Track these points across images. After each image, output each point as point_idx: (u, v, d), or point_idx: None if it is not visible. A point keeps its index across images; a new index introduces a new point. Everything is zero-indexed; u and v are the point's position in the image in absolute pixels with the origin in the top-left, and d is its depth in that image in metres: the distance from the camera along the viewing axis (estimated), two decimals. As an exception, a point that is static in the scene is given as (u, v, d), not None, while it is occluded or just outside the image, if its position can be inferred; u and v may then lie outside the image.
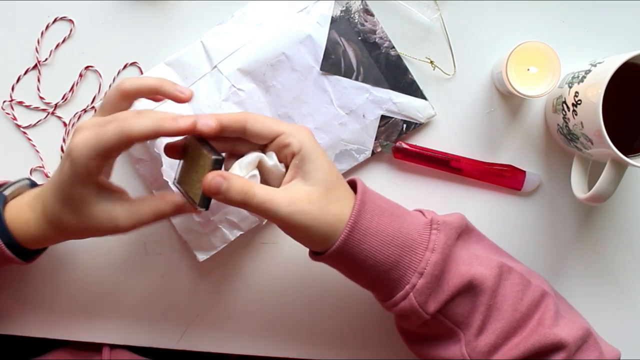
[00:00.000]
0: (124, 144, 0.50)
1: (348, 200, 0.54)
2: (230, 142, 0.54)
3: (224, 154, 0.52)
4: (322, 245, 0.53)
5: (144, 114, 0.51)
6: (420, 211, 0.58)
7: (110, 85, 0.65)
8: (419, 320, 0.54)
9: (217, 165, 0.51)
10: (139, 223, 0.54)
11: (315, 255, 0.55)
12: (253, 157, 0.53)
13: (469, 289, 0.54)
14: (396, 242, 0.53)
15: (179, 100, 0.54)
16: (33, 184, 0.60)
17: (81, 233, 0.54)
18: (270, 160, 0.53)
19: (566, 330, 0.54)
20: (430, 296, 0.54)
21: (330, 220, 0.52)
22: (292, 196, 0.51)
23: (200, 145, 0.52)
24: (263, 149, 0.55)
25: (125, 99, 0.54)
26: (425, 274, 0.53)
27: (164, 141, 0.61)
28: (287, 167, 0.54)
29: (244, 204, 0.50)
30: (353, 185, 0.56)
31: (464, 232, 0.58)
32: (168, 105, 0.63)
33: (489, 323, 0.55)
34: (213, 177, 0.50)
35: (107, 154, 0.50)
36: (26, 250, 0.56)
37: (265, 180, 0.54)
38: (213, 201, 0.52)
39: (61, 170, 0.52)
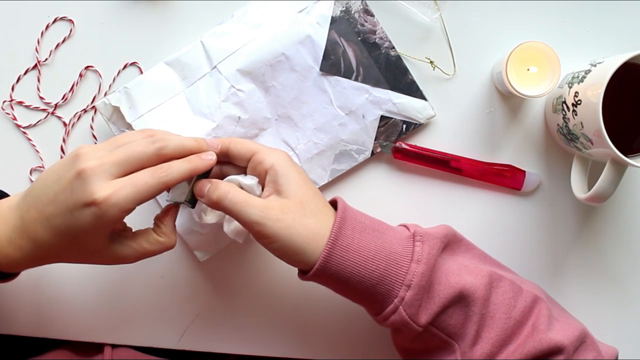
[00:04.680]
0: (161, 192, 0.51)
1: (326, 216, 0.54)
2: (218, 165, 0.58)
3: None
4: (298, 261, 0.54)
5: (171, 155, 0.52)
6: (405, 226, 0.58)
7: (110, 86, 0.65)
8: (411, 333, 0.54)
9: (204, 175, 0.57)
10: (143, 257, 0.55)
11: (302, 274, 0.55)
12: (231, 178, 0.57)
13: (460, 300, 0.54)
14: (380, 257, 0.53)
15: (211, 163, 0.55)
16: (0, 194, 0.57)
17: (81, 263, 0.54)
18: (247, 180, 0.56)
19: (562, 333, 0.54)
20: (420, 308, 0.54)
21: (304, 232, 0.53)
22: (266, 204, 0.53)
23: None
24: (245, 172, 0.58)
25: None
26: (412, 285, 0.53)
27: None
28: (264, 186, 0.56)
29: (219, 201, 0.53)
30: (335, 204, 0.57)
31: (452, 242, 0.58)
32: (167, 106, 0.63)
33: (483, 332, 0.54)
34: (201, 181, 0.56)
35: (140, 204, 0.50)
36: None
37: None
38: None
39: (73, 216, 0.49)
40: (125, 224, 0.57)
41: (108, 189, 0.48)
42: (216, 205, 0.54)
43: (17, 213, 0.52)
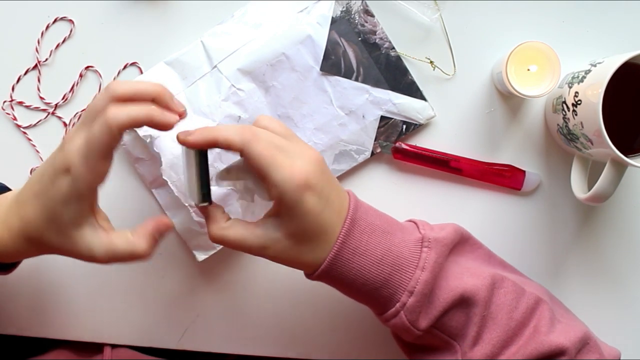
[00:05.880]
0: (115, 136, 0.48)
1: (330, 236, 0.52)
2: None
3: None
4: (302, 268, 0.54)
5: (123, 98, 0.48)
6: (414, 222, 0.57)
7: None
8: (411, 335, 0.55)
9: (203, 156, 0.53)
10: (114, 260, 0.52)
11: (307, 274, 0.55)
12: (238, 162, 0.54)
13: (461, 302, 0.54)
14: (386, 261, 0.53)
15: (172, 121, 0.50)
16: (3, 188, 0.58)
17: (59, 253, 0.52)
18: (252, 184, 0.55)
19: (564, 335, 0.54)
20: (420, 314, 0.54)
21: (304, 260, 0.53)
22: (263, 240, 0.52)
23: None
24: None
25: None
26: (415, 292, 0.53)
27: (163, 140, 0.61)
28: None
29: (219, 242, 0.54)
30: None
31: (458, 243, 0.57)
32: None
33: (484, 333, 0.54)
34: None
35: (104, 154, 0.48)
36: None
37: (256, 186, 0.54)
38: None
39: (53, 187, 0.49)
40: (109, 223, 0.54)
41: (69, 149, 0.48)
42: (217, 243, 0.54)
43: (16, 196, 0.53)
